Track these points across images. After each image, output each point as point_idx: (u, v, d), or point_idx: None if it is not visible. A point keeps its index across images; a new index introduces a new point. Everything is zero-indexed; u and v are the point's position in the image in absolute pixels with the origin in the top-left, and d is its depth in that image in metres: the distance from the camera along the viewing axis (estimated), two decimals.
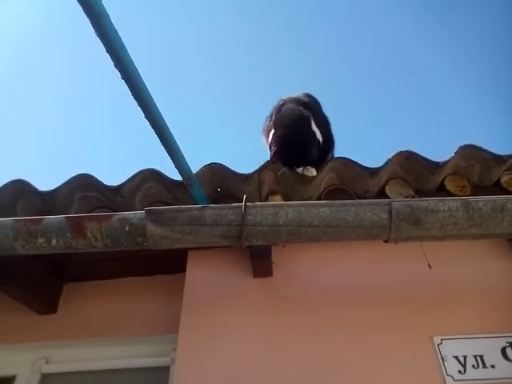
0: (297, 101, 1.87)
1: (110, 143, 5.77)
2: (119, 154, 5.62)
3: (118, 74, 1.11)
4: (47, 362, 1.84)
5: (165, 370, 1.74)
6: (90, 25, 0.97)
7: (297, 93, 1.99)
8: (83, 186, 1.68)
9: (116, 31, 1.00)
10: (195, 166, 1.70)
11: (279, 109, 1.88)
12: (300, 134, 1.65)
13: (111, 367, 1.82)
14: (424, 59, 5.66)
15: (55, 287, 1.95)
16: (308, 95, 1.96)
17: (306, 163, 1.62)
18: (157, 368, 1.78)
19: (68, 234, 1.38)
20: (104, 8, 0.97)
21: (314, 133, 1.70)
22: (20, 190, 1.67)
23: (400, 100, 5.97)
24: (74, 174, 1.65)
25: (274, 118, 1.88)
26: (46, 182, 1.73)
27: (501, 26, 4.87)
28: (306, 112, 1.74)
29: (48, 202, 1.69)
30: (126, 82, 1.10)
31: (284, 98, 1.96)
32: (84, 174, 1.66)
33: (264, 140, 2.13)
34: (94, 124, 5.65)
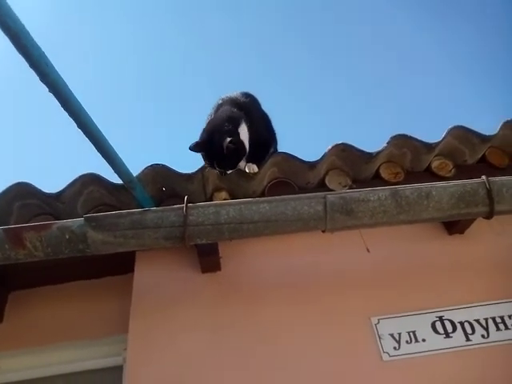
0: (233, 101, 1.90)
1: (44, 151, 5.46)
2: (56, 161, 5.39)
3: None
4: None
5: (118, 370, 1.75)
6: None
7: (236, 91, 2.02)
8: (22, 195, 1.64)
9: (39, 48, 0.99)
10: (138, 167, 1.72)
11: (216, 109, 1.91)
12: (215, 142, 1.70)
13: (64, 371, 1.82)
14: (421, 55, 5.75)
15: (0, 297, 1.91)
16: (246, 94, 1.99)
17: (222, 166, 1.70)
18: (110, 368, 1.79)
19: (6, 246, 1.36)
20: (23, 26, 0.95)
21: (235, 135, 1.74)
22: None
23: (398, 98, 6.03)
24: (9, 184, 1.61)
25: (209, 118, 1.91)
26: None
27: (498, 20, 4.98)
28: (236, 113, 1.78)
29: None
30: (55, 95, 1.09)
31: (223, 97, 1.98)
32: (21, 182, 1.63)
33: None
34: (27, 132, 5.35)
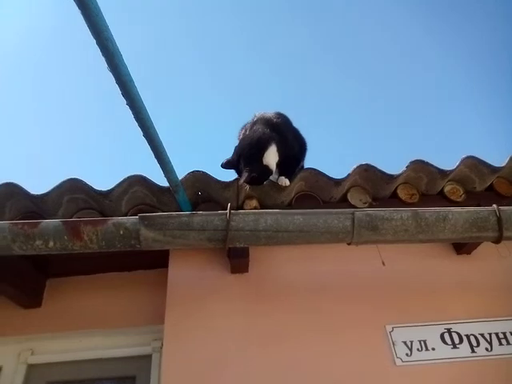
0: (267, 121, 2.06)
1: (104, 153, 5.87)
2: (110, 161, 5.73)
3: (111, 76, 1.23)
4: (32, 353, 1.94)
5: (147, 359, 1.91)
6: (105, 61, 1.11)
7: (271, 109, 2.19)
8: (73, 189, 1.78)
9: (126, 67, 1.14)
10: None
11: (250, 127, 2.07)
12: (241, 168, 1.86)
13: (95, 357, 1.95)
14: (423, 60, 5.90)
15: (39, 282, 2.05)
16: (279, 115, 2.14)
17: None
18: (139, 357, 1.93)
19: (65, 237, 1.50)
20: (118, 49, 1.11)
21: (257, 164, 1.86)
22: (10, 191, 1.75)
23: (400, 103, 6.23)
24: (63, 179, 1.75)
25: (243, 133, 2.07)
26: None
27: (501, 24, 5.11)
28: (267, 135, 1.94)
29: (37, 204, 1.78)
30: (131, 109, 1.24)
31: (257, 115, 2.14)
32: (73, 178, 1.77)
33: None
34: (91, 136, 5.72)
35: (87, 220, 1.53)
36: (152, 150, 1.44)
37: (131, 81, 1.21)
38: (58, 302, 2.03)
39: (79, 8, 1.00)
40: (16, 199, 1.79)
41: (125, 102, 1.26)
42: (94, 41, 1.08)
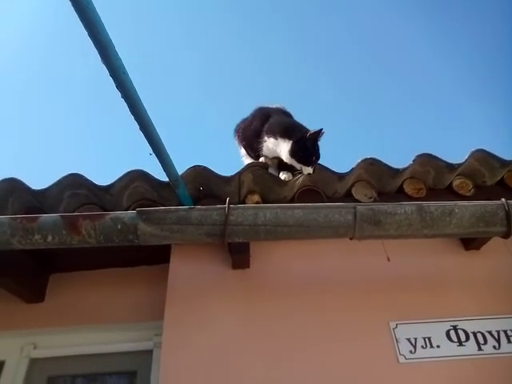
0: (283, 112, 2.07)
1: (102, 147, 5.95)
2: (110, 156, 5.79)
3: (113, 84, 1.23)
4: (35, 347, 1.95)
5: (148, 354, 1.90)
6: (97, 53, 1.09)
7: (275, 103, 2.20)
8: (74, 185, 1.78)
9: (120, 60, 1.13)
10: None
11: (265, 117, 2.06)
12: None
13: (96, 352, 1.95)
14: (418, 61, 5.84)
15: (42, 277, 2.06)
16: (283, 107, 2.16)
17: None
18: (140, 352, 1.92)
19: (63, 232, 1.49)
20: (109, 38, 1.09)
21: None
22: (12, 187, 1.76)
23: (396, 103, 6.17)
24: (64, 174, 1.75)
25: (269, 126, 2.05)
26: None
27: (499, 26, 5.03)
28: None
29: (39, 199, 1.79)
30: (126, 101, 1.22)
31: (263, 106, 2.13)
32: (74, 173, 1.77)
33: (236, 139, 2.31)
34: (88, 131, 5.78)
35: (85, 214, 1.52)
36: (149, 143, 1.43)
37: (125, 73, 1.20)
38: (61, 297, 2.03)
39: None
40: (18, 195, 1.80)
41: (119, 94, 1.25)
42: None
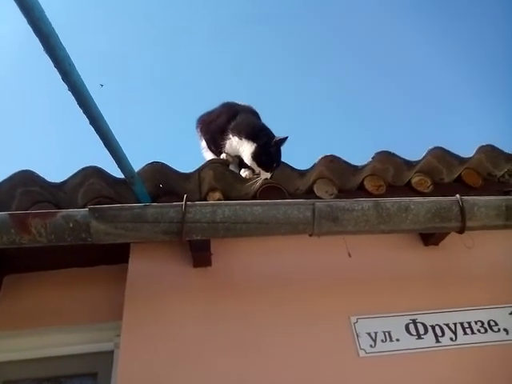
0: (251, 111, 2.09)
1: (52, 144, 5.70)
2: (62, 153, 5.58)
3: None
4: None
5: (109, 355, 1.84)
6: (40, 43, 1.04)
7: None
8: (25, 182, 1.72)
9: (64, 50, 1.08)
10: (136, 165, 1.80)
11: (233, 114, 2.05)
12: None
13: (55, 354, 1.88)
14: (414, 57, 5.91)
15: None
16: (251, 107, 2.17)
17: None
18: (101, 353, 1.87)
19: (12, 231, 1.43)
20: (52, 27, 1.04)
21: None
22: None
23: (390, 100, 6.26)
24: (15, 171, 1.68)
25: (235, 124, 2.03)
26: None
27: (495, 21, 5.15)
28: None
29: None
30: (73, 94, 1.18)
31: (231, 102, 2.13)
32: (25, 170, 1.70)
33: (199, 131, 2.29)
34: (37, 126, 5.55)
35: (36, 213, 1.47)
36: (100, 137, 1.39)
37: (70, 64, 1.15)
38: (17, 298, 1.95)
39: None
40: None
41: (66, 87, 1.21)
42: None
